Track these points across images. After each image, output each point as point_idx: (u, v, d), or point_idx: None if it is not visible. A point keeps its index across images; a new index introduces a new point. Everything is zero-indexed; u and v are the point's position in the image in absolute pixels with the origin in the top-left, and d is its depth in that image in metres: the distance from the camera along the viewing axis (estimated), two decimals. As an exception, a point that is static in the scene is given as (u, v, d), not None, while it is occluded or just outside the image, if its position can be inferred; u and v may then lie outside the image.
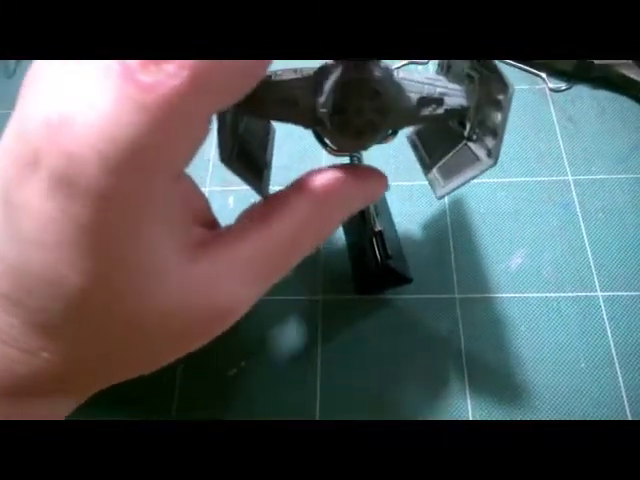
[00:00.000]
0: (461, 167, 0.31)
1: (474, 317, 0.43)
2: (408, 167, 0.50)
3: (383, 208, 0.46)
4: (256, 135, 0.35)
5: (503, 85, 0.26)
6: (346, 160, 0.43)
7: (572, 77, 0.53)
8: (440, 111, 0.31)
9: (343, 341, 0.43)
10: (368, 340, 0.42)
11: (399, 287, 0.44)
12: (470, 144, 0.31)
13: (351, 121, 0.29)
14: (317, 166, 0.52)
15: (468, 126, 0.32)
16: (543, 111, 0.52)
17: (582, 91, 0.53)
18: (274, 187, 0.51)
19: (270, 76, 0.33)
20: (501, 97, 0.27)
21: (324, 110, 0.30)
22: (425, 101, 0.31)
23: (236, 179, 0.49)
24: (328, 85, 0.29)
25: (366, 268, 0.42)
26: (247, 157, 0.32)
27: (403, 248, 0.45)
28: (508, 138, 0.51)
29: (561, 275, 0.44)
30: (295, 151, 0.52)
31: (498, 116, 0.27)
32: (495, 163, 0.28)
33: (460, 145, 0.32)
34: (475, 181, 0.48)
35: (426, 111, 0.31)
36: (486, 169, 0.29)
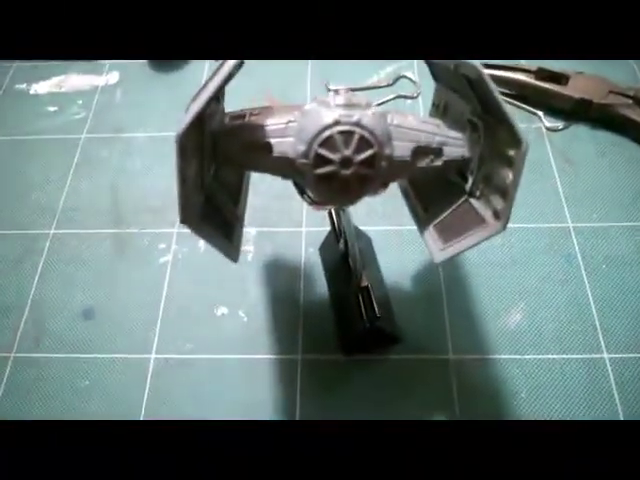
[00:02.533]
0: (463, 228, 0.27)
1: (469, 381, 0.38)
2: (397, 209, 0.46)
3: (370, 258, 0.42)
4: (227, 185, 0.30)
5: (515, 138, 0.22)
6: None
7: (570, 116, 0.50)
8: (439, 163, 0.27)
9: (323, 408, 0.38)
10: (351, 407, 0.38)
11: (387, 347, 0.40)
12: (473, 201, 0.27)
13: (337, 174, 0.25)
14: (297, 206, 0.49)
15: (470, 180, 0.28)
16: (540, 152, 0.49)
17: (580, 132, 0.50)
18: (250, 229, 0.47)
19: (243, 116, 0.29)
20: (512, 153, 0.23)
21: (304, 161, 0.26)
22: (422, 151, 0.27)
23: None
24: (310, 132, 0.25)
25: (351, 328, 0.38)
26: (215, 214, 0.27)
27: (392, 303, 0.41)
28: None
29: (564, 334, 0.40)
30: (273, 190, 0.48)
31: (508, 174, 0.23)
32: (504, 228, 0.24)
33: (461, 200, 0.28)
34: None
35: (423, 162, 0.27)
36: (493, 234, 0.25)
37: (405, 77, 0.53)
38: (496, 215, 0.25)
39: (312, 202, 0.29)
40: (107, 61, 0.58)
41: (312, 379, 0.39)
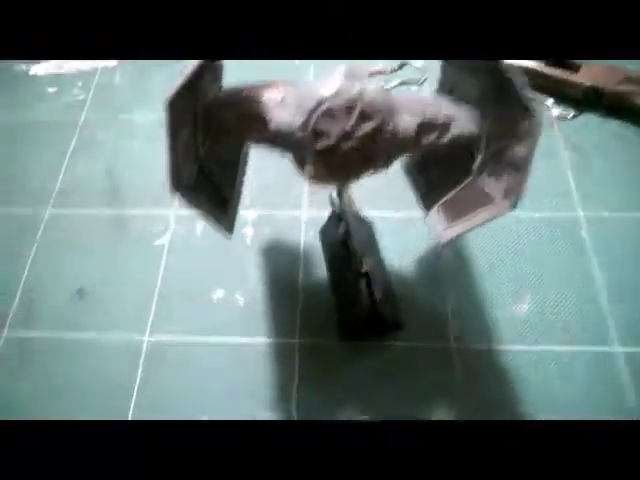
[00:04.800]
0: (470, 207, 0.25)
1: (471, 372, 0.37)
2: (399, 194, 0.44)
3: (371, 243, 0.41)
4: (223, 161, 0.29)
5: (527, 111, 0.21)
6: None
7: (580, 104, 0.48)
8: (445, 140, 0.26)
9: (321, 392, 0.36)
10: (350, 392, 0.36)
11: (388, 333, 0.38)
12: (481, 180, 0.26)
13: (336, 148, 0.24)
14: (298, 188, 0.47)
15: (479, 158, 0.26)
16: (548, 141, 0.47)
17: (589, 121, 0.48)
18: (249, 211, 0.46)
19: (241, 90, 0.28)
20: (525, 127, 0.22)
21: (302, 134, 0.24)
22: (427, 126, 0.25)
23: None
24: (309, 103, 0.24)
25: (351, 313, 0.37)
26: (209, 187, 0.26)
27: (394, 291, 0.39)
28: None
29: (574, 325, 0.38)
30: (274, 171, 0.47)
31: (521, 149, 0.22)
32: (514, 206, 0.23)
33: (468, 179, 0.27)
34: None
35: (428, 139, 0.26)
36: (502, 214, 0.23)
37: (409, 64, 0.52)
38: (506, 193, 0.24)
39: (311, 178, 0.28)
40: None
41: (310, 364, 0.37)
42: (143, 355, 0.38)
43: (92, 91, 0.54)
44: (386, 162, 0.27)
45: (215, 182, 0.27)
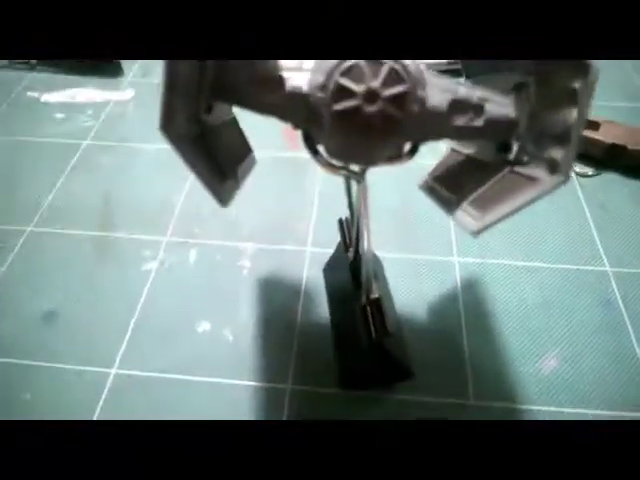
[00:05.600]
0: (507, 194, 0.22)
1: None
2: (412, 234, 0.42)
3: (382, 280, 0.37)
4: (228, 146, 0.26)
5: (580, 66, 0.19)
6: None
7: (600, 163, 0.47)
8: (479, 123, 0.23)
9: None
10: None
11: (396, 383, 0.33)
12: (518, 168, 0.23)
13: (359, 110, 0.21)
14: (306, 226, 0.44)
15: (515, 147, 0.24)
16: (570, 195, 0.45)
17: (612, 178, 0.46)
18: (249, 244, 0.43)
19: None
20: (576, 85, 0.19)
21: (322, 95, 0.22)
22: (460, 105, 0.23)
23: (203, 231, 0.40)
24: (331, 61, 0.22)
25: (354, 352, 0.32)
26: (208, 153, 0.23)
27: (405, 336, 0.35)
28: (532, 219, 0.44)
29: (606, 389, 0.33)
30: (281, 210, 0.44)
31: (570, 113, 0.20)
32: (567, 179, 0.20)
33: (502, 172, 0.24)
34: (495, 262, 0.40)
35: (460, 120, 0.23)
36: (551, 190, 0.20)
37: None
38: (552, 168, 0.20)
39: (325, 162, 0.25)
40: (124, 78, 0.58)
41: (301, 414, 0.32)
42: (105, 392, 0.33)
43: (101, 119, 0.53)
44: (412, 142, 0.24)
45: (216, 157, 0.24)
